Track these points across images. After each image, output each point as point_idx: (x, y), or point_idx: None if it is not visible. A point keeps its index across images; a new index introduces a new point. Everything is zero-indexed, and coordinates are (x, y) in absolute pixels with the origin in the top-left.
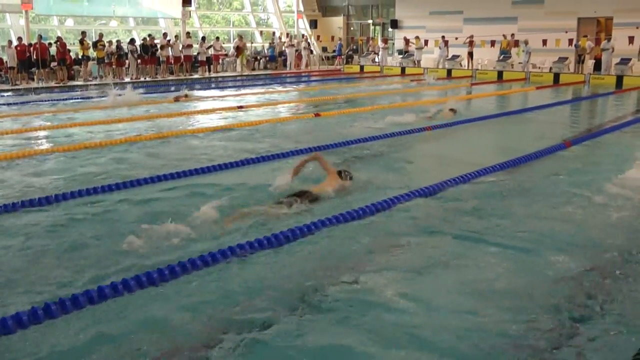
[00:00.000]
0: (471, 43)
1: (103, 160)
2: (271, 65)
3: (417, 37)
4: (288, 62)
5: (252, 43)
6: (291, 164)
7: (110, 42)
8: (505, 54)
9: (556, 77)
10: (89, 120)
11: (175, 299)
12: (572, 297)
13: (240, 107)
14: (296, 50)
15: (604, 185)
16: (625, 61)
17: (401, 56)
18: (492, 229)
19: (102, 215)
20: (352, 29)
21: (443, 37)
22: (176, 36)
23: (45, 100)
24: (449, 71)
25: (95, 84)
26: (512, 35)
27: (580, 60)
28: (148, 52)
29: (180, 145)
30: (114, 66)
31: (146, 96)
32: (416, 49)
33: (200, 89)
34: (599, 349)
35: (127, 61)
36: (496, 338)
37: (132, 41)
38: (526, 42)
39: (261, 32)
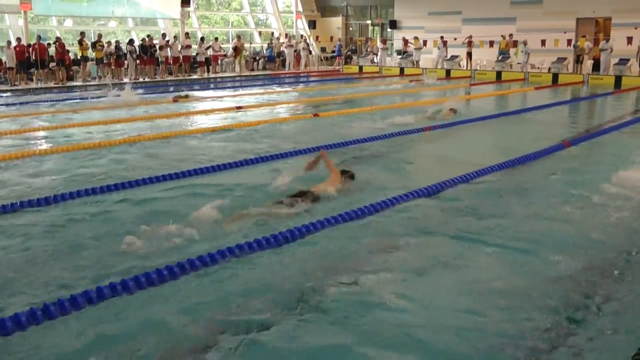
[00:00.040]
0: (470, 43)
1: (102, 161)
2: (270, 65)
3: (415, 38)
4: (287, 63)
5: (250, 43)
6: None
7: (109, 43)
8: (504, 54)
9: (555, 77)
10: (88, 121)
11: (174, 299)
12: (570, 297)
13: (239, 107)
14: (295, 51)
15: (603, 186)
16: (623, 61)
17: (400, 57)
18: (491, 229)
19: (101, 215)
20: (351, 29)
21: (442, 37)
22: (175, 37)
23: (44, 101)
24: (448, 71)
25: (94, 85)
26: (511, 35)
27: (579, 60)
28: (147, 52)
29: (179, 145)
30: (112, 67)
31: (145, 97)
32: (415, 49)
33: (199, 90)
34: (598, 349)
35: (126, 62)
36: (495, 338)
37: (131, 42)
38: (525, 43)
39: (260, 33)
